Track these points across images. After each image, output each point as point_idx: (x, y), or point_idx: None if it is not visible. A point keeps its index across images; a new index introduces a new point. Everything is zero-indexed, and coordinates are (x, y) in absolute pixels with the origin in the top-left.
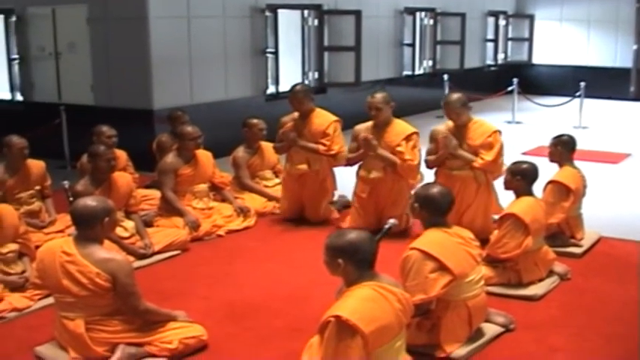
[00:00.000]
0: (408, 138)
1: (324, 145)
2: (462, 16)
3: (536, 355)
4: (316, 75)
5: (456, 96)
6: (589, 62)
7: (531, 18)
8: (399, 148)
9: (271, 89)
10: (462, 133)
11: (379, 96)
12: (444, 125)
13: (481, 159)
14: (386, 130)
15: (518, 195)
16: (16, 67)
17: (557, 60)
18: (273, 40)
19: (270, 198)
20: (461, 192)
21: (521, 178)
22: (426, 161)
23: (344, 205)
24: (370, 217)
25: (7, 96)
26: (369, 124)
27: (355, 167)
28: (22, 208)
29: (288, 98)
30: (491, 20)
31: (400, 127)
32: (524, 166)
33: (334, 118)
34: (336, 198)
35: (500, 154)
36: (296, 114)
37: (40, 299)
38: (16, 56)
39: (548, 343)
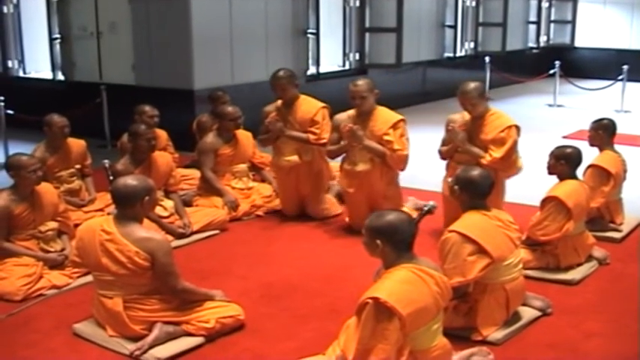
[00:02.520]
0: (395, 126)
1: (313, 133)
2: None
3: (572, 340)
4: (357, 56)
5: (472, 85)
6: (632, 46)
7: (574, 0)
8: (386, 137)
9: (312, 70)
10: (477, 125)
11: (362, 83)
12: (459, 115)
13: (489, 155)
14: (370, 119)
15: (561, 179)
16: (57, 47)
17: (600, 43)
18: (315, 21)
19: None
20: None
21: (565, 162)
22: (439, 152)
23: (338, 193)
24: (361, 212)
25: (49, 75)
26: (352, 112)
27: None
28: (63, 186)
29: (270, 84)
30: (533, 2)
31: (386, 114)
32: (568, 150)
33: (321, 104)
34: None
35: (511, 151)
36: (279, 102)
37: (78, 277)
38: (58, 36)
39: (584, 328)
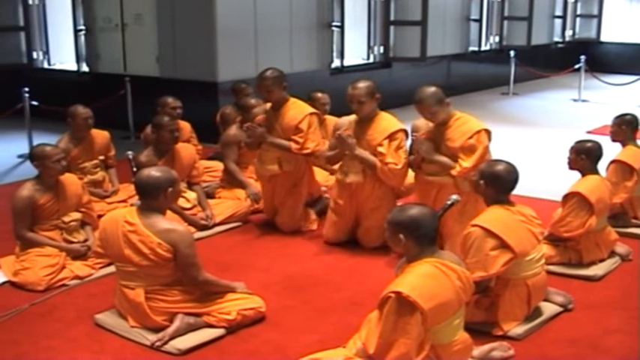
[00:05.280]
0: (391, 136)
1: (296, 142)
2: None
3: (593, 336)
4: (381, 49)
5: (429, 92)
6: None
7: None
8: (380, 149)
9: (336, 63)
10: (441, 131)
11: (362, 86)
12: (424, 120)
13: (459, 166)
14: (369, 126)
15: (583, 174)
16: (82, 38)
17: (626, 38)
18: (340, 14)
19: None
20: (439, 201)
21: (586, 156)
22: (407, 162)
23: (322, 209)
24: (346, 224)
25: (74, 67)
26: (353, 117)
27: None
28: (86, 177)
29: (255, 85)
30: None
31: (385, 122)
32: (589, 144)
33: (310, 110)
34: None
35: (483, 158)
36: (268, 105)
37: (101, 268)
38: (83, 27)
39: (606, 324)
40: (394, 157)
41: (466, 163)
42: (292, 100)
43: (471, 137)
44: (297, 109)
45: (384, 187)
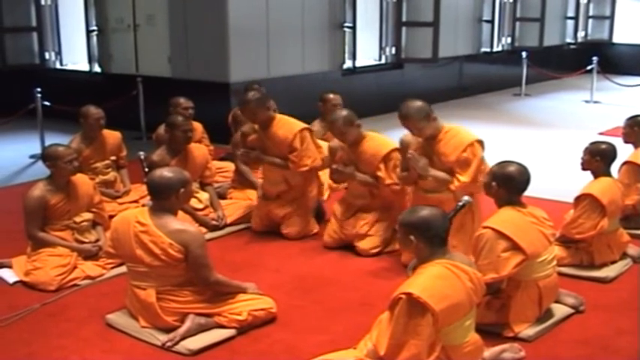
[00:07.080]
0: (386, 158)
1: (292, 161)
2: None
3: (604, 337)
4: (393, 50)
5: (415, 107)
6: None
7: None
8: (378, 173)
9: (348, 64)
10: (432, 145)
11: (339, 118)
12: (411, 135)
13: (457, 180)
14: (360, 150)
15: (596, 176)
16: (94, 39)
17: (639, 39)
18: (351, 15)
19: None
20: None
21: (600, 158)
22: (400, 179)
23: (317, 211)
24: (345, 236)
25: (86, 67)
26: None
27: None
28: (98, 177)
29: (240, 109)
30: None
31: (375, 145)
32: (603, 146)
33: (300, 126)
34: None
35: (478, 171)
36: (256, 125)
37: (112, 268)
38: (95, 28)
39: (616, 326)
40: (393, 178)
41: (464, 177)
42: (279, 117)
43: (464, 150)
44: (286, 128)
45: (388, 201)
